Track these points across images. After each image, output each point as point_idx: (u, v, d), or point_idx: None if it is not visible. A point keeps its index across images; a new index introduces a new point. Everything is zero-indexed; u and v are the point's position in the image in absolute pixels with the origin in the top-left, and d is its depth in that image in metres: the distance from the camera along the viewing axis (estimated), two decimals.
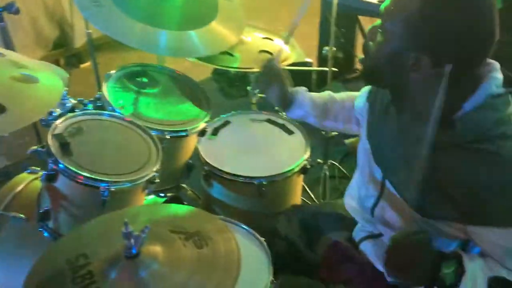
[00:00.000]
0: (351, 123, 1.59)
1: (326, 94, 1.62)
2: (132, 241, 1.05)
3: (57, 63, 4.26)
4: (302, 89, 1.61)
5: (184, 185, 2.18)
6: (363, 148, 1.38)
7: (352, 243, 1.47)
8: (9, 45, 2.14)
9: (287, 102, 1.59)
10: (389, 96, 1.24)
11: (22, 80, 1.25)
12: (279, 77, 1.57)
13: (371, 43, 1.16)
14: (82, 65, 4.27)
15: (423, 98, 1.10)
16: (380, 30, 1.12)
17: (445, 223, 1.16)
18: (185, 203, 1.99)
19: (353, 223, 1.50)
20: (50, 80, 1.34)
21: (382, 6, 1.11)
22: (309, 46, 4.24)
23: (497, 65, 1.12)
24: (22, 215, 1.56)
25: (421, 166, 1.06)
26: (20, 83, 1.24)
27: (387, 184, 1.27)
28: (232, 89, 3.73)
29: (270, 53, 2.05)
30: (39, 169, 1.82)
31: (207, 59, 1.98)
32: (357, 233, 1.48)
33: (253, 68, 1.98)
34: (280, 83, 1.57)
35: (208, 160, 1.81)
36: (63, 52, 4.16)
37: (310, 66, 3.36)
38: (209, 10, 1.93)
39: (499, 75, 1.09)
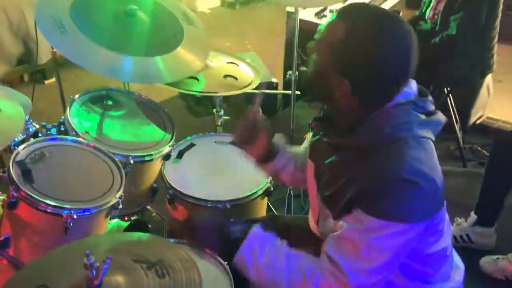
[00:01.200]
0: None
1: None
2: (94, 272, 1.05)
3: (21, 79, 4.21)
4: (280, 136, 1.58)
5: (148, 207, 2.18)
6: (310, 168, 1.43)
7: None
8: None
9: (269, 154, 1.51)
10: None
11: None
12: (264, 131, 1.47)
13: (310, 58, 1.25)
14: (47, 81, 4.22)
15: (341, 111, 1.22)
16: (315, 49, 1.22)
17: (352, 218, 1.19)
18: (149, 225, 2.00)
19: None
20: (12, 109, 1.33)
21: (319, 27, 1.21)
22: (276, 65, 4.32)
23: (411, 83, 1.22)
24: None
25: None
26: None
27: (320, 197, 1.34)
28: (199, 107, 3.75)
29: (235, 78, 2.09)
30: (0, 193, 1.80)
31: (173, 83, 2.00)
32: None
33: (218, 92, 2.01)
34: (266, 137, 1.47)
35: (172, 184, 1.82)
36: (27, 68, 4.11)
37: (276, 86, 3.43)
38: (174, 36, 1.95)
39: (409, 90, 1.20)
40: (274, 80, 3.39)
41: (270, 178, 1.89)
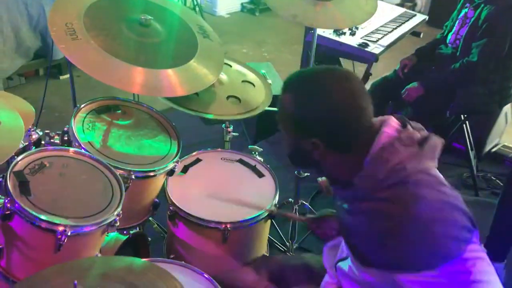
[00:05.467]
0: None
1: None
2: None
3: (36, 72, 4.22)
4: None
5: (150, 218, 2.15)
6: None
7: None
8: None
9: None
10: None
11: None
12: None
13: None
14: (62, 77, 4.23)
15: (330, 168, 1.28)
16: (281, 126, 1.30)
17: (379, 272, 1.18)
18: (149, 239, 1.96)
19: (321, 275, 1.50)
20: (13, 121, 1.30)
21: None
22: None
23: (389, 119, 1.23)
24: None
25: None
26: None
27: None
28: None
29: (239, 100, 2.04)
30: None
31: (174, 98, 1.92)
32: (324, 286, 1.48)
33: (212, 113, 1.97)
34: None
35: (174, 201, 1.78)
36: (44, 63, 4.12)
37: None
38: (188, 49, 1.90)
39: (389, 129, 1.19)
40: None
41: (274, 201, 1.85)
